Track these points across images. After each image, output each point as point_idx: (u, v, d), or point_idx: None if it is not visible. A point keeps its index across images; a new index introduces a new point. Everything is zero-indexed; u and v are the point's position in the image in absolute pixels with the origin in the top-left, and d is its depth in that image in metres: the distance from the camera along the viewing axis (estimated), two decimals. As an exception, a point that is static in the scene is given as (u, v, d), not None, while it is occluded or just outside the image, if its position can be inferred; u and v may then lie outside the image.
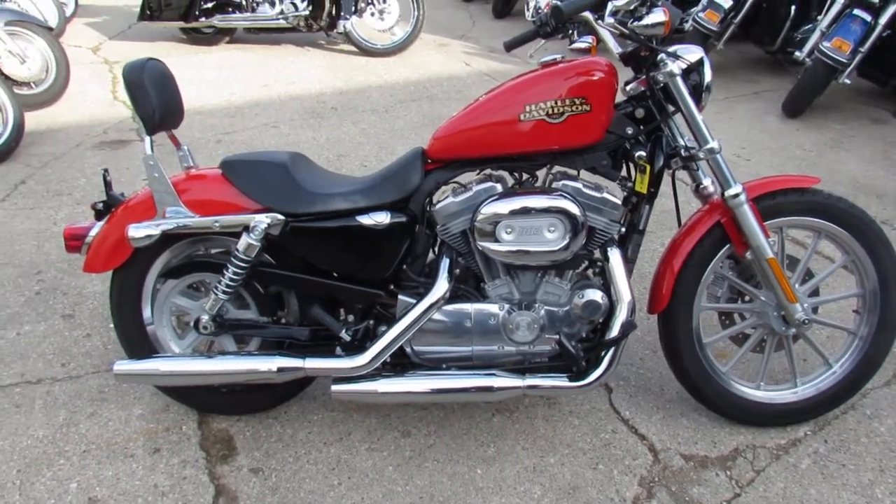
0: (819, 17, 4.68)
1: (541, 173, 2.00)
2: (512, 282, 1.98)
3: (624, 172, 1.98)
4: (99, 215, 2.04)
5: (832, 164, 4.05)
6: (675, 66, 1.83)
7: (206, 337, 2.06)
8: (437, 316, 1.95)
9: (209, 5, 6.16)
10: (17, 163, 4.10)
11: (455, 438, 2.13)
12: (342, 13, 6.01)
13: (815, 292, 2.10)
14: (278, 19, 6.10)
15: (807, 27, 4.97)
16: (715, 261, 2.01)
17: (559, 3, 1.70)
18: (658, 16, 1.74)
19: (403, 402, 2.16)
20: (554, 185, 1.92)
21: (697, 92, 1.89)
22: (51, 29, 5.14)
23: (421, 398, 1.99)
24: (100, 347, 2.54)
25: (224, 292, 1.96)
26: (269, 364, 1.93)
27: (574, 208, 1.83)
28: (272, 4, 6.12)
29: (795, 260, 2.09)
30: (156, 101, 1.91)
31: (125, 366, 1.97)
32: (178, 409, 2.23)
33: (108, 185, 2.09)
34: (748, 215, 1.91)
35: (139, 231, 1.89)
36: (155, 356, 2.00)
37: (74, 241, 2.03)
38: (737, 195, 1.89)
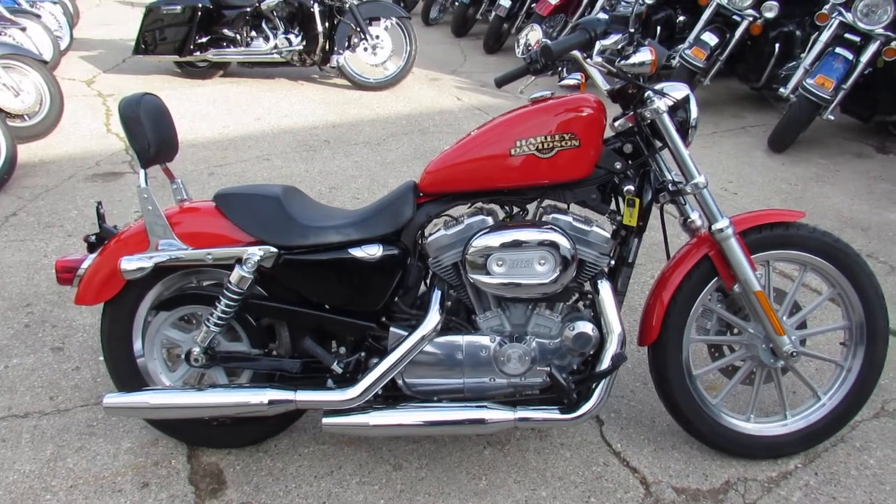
0: (802, 55, 4.79)
1: (532, 207, 2.03)
2: (503, 314, 2.00)
3: (613, 206, 2.02)
4: (91, 247, 2.05)
5: (817, 197, 4.11)
6: (661, 103, 1.87)
7: (197, 370, 2.06)
8: (428, 348, 1.96)
9: (204, 40, 6.24)
10: (8, 195, 4.10)
11: (447, 471, 2.12)
12: (335, 48, 6.10)
13: (802, 325, 2.13)
14: (272, 54, 6.18)
15: (791, 64, 5.08)
16: (703, 294, 2.04)
17: (548, 42, 1.75)
18: (644, 55, 1.79)
19: (395, 434, 2.15)
20: (544, 218, 1.95)
21: (684, 128, 1.94)
22: (45, 62, 5.19)
23: (412, 431, 1.99)
24: (89, 380, 2.52)
25: (216, 324, 1.96)
26: (260, 397, 1.93)
27: (564, 241, 1.85)
28: (266, 39, 6.21)
29: (783, 293, 2.12)
30: (151, 135, 1.93)
31: (115, 398, 1.96)
32: (168, 442, 2.21)
33: (100, 217, 2.11)
34: (735, 249, 1.94)
35: (132, 264, 1.90)
36: (145, 389, 1.99)
37: (66, 273, 2.03)
38: (723, 229, 1.93)
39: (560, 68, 2.04)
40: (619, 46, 1.80)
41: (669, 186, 1.96)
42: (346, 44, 6.12)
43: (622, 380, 2.51)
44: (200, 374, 2.17)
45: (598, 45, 1.76)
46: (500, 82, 2.10)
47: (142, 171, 1.97)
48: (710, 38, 5.09)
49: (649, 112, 1.88)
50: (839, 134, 5.09)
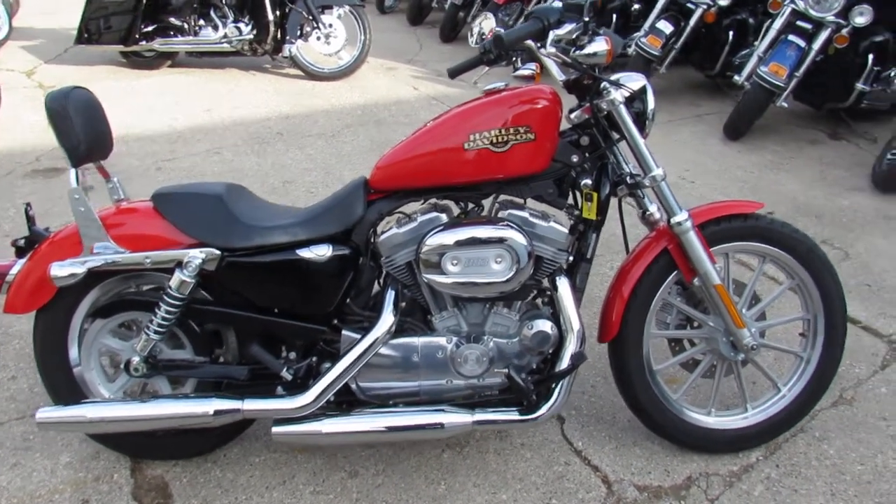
0: (756, 43, 4.81)
1: (487, 202, 1.96)
2: (459, 314, 1.93)
3: (571, 200, 1.96)
4: (20, 252, 1.92)
5: (773, 185, 4.14)
6: (617, 94, 1.82)
7: (138, 379, 1.94)
8: (382, 350, 1.88)
9: (150, 28, 6.01)
10: (-61, 193, 3.89)
11: (404, 477, 2.05)
12: (287, 37, 5.93)
13: (762, 316, 2.11)
14: (222, 43, 5.99)
15: (745, 52, 5.10)
16: (663, 288, 2.00)
17: (501, 32, 1.68)
18: (600, 45, 1.73)
19: (349, 442, 2.08)
20: (500, 214, 1.89)
21: (641, 119, 1.89)
22: (-21, 53, 4.93)
23: (367, 438, 1.92)
24: (25, 391, 2.38)
25: (156, 332, 1.85)
26: (204, 407, 1.83)
27: (520, 238, 1.79)
28: (215, 28, 6.01)
29: (742, 284, 2.10)
30: (81, 132, 1.81)
31: (48, 413, 1.84)
32: (110, 455, 2.09)
33: (30, 219, 1.98)
34: (694, 242, 1.90)
35: (63, 269, 1.78)
36: (81, 402, 1.87)
37: (-5, 278, 1.90)
38: (682, 222, 1.89)
39: (514, 58, 1.97)
40: (574, 36, 1.73)
41: (627, 179, 1.91)
42: (299, 32, 5.96)
43: (583, 375, 2.47)
44: (143, 384, 2.05)
45: (551, 35, 1.69)
46: (454, 73, 2.02)
47: (72, 171, 1.85)
48: (665, 27, 5.08)
49: (605, 103, 1.83)
50: (793, 121, 5.14)
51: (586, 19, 1.70)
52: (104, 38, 6.06)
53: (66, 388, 1.97)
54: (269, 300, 1.90)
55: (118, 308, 1.92)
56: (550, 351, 1.93)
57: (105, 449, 2.10)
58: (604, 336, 2.01)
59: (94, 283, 1.91)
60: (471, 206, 1.93)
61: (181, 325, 1.92)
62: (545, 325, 1.89)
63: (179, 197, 1.87)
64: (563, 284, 1.90)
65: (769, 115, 4.80)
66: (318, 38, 6.04)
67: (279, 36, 5.99)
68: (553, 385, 1.89)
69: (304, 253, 1.83)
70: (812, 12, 4.38)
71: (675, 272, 1.98)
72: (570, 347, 1.87)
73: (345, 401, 1.96)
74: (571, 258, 1.95)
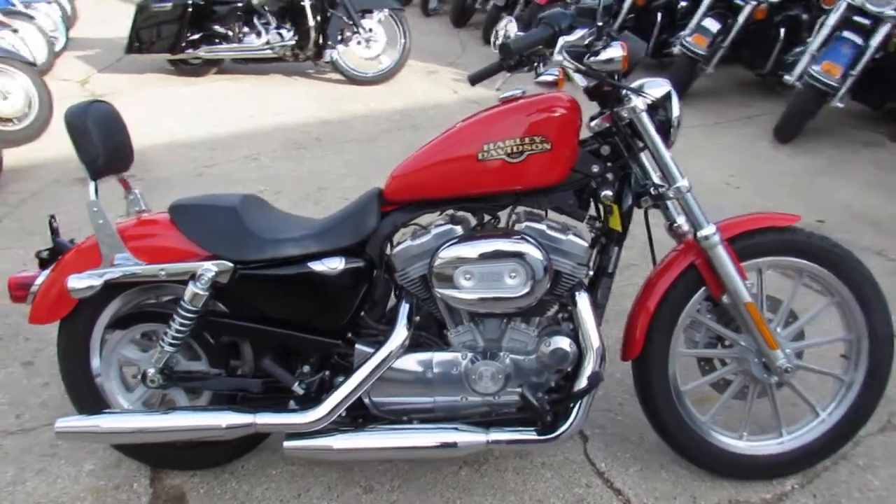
0: (809, 40, 4.61)
1: (505, 214, 1.90)
2: (476, 329, 1.88)
3: (593, 212, 1.89)
4: (43, 263, 1.96)
5: (825, 190, 3.94)
6: (639, 102, 1.74)
7: (155, 390, 1.95)
8: (396, 365, 1.84)
9: (195, 37, 6.14)
10: (-7, 200, 4.04)
11: (420, 494, 2.01)
12: (328, 42, 5.98)
13: (799, 335, 1.99)
14: (265, 49, 6.07)
15: (798, 50, 4.90)
16: (691, 304, 1.90)
17: (508, 39, 1.61)
18: (615, 51, 1.65)
19: (360, 459, 2.04)
20: (517, 227, 1.82)
21: (665, 127, 1.80)
22: (33, 64, 5.10)
23: (379, 455, 1.88)
24: (57, 397, 2.43)
25: (170, 344, 1.86)
26: (217, 420, 1.83)
27: (536, 252, 1.72)
28: (258, 35, 6.10)
29: (778, 301, 1.98)
30: (100, 145, 1.82)
31: (66, 423, 1.86)
32: (131, 464, 2.11)
33: (54, 231, 2.01)
34: (722, 257, 1.80)
35: (80, 282, 1.80)
36: (99, 413, 1.89)
37: (19, 290, 1.94)
38: (709, 236, 1.79)
39: (536, 64, 1.91)
40: (587, 42, 1.66)
41: (651, 190, 1.82)
42: (339, 37, 6.00)
43: (610, 392, 2.38)
44: (162, 395, 2.06)
45: (560, 42, 1.62)
46: (474, 79, 1.96)
47: (91, 184, 1.87)
48: (712, 25, 4.91)
49: (626, 111, 1.75)
50: (848, 123, 4.90)
51: (600, 24, 1.63)
52: (153, 47, 6.23)
53: (89, 398, 1.99)
54: (282, 313, 1.88)
55: (136, 319, 1.93)
56: (569, 369, 1.85)
57: (127, 458, 2.12)
58: (627, 354, 1.93)
59: (114, 294, 1.92)
60: (487, 217, 1.88)
61: (196, 337, 1.92)
62: (563, 343, 1.82)
63: (194, 209, 1.87)
64: (582, 300, 1.82)
65: (823, 117, 4.59)
66: (359, 43, 6.06)
67: (320, 41, 6.04)
68: (571, 405, 1.82)
69: (316, 266, 1.81)
70: (870, 6, 4.17)
71: (704, 288, 1.88)
72: (589, 366, 1.80)
73: (359, 415, 1.93)
74: (592, 273, 1.87)
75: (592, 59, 1.66)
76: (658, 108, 1.80)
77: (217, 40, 6.17)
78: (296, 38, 6.02)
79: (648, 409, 1.98)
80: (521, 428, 1.85)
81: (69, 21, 7.85)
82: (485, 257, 1.73)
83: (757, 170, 4.22)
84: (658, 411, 1.95)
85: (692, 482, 2.02)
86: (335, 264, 1.81)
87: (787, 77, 4.52)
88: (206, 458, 2.09)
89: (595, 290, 1.88)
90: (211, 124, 5.26)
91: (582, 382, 1.79)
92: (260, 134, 5.05)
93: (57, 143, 4.86)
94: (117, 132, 1.91)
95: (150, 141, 4.95)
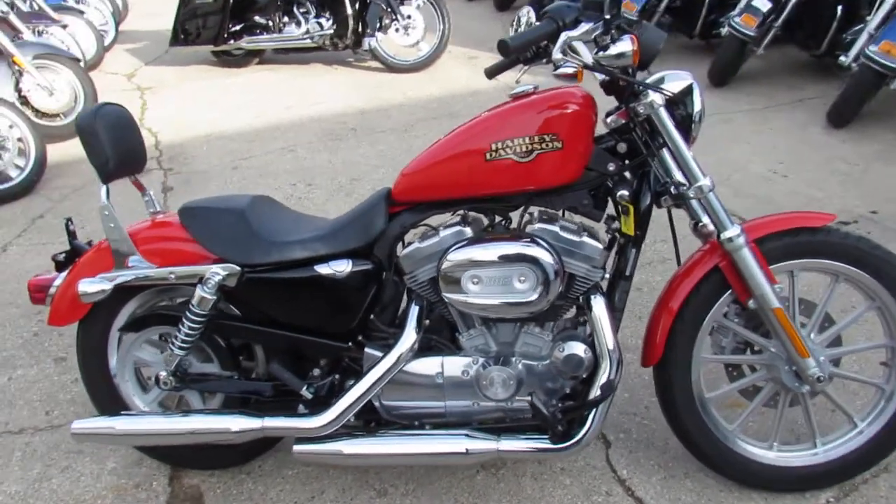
0: (868, 18, 4.32)
1: (517, 214, 1.83)
2: (488, 332, 1.82)
3: (612, 211, 1.80)
4: (60, 266, 1.98)
5: (881, 178, 3.71)
6: (656, 97, 1.63)
7: (168, 392, 1.96)
8: (406, 369, 1.80)
9: (237, 28, 6.20)
10: (38, 196, 4.16)
11: (434, 498, 1.97)
12: (367, 30, 5.94)
13: (836, 341, 1.87)
14: (304, 39, 6.08)
15: (856, 28, 4.60)
16: (715, 308, 1.80)
17: (505, 38, 1.53)
18: (625, 45, 1.55)
19: (370, 464, 2.01)
20: (528, 228, 1.75)
21: (686, 123, 1.69)
22: (79, 60, 5.23)
23: (388, 461, 1.85)
24: (85, 394, 2.46)
25: (180, 347, 1.86)
26: (226, 424, 1.82)
27: (546, 256, 1.65)
28: (298, 24, 6.11)
29: (812, 304, 1.86)
30: (110, 149, 1.82)
31: (82, 424, 1.89)
32: (151, 463, 2.14)
33: (71, 234, 2.03)
34: (748, 260, 1.69)
35: (91, 286, 1.81)
36: (114, 415, 1.91)
37: (39, 292, 1.97)
38: (733, 238, 1.68)
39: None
40: (593, 37, 1.56)
41: (671, 189, 1.72)
42: (378, 25, 5.95)
43: (636, 394, 2.29)
44: (178, 396, 2.07)
45: (562, 37, 1.53)
46: (490, 73, 1.89)
47: (103, 187, 1.88)
48: (762, 4, 4.65)
49: (643, 107, 1.65)
50: (910, 104, 4.61)
51: (607, 17, 1.53)
52: (196, 39, 6.31)
53: (108, 398, 2.02)
54: (290, 316, 1.85)
55: (149, 322, 1.94)
56: (585, 375, 1.78)
57: (148, 457, 2.14)
58: (647, 359, 1.84)
59: (131, 295, 1.94)
60: (498, 219, 1.81)
61: (207, 340, 1.92)
62: (578, 348, 1.75)
63: (203, 212, 1.86)
64: (598, 304, 1.74)
65: (881, 100, 4.32)
66: (397, 30, 6.01)
67: (359, 29, 6.01)
68: (586, 413, 1.75)
69: (322, 269, 1.78)
70: (933, -19, 3.87)
71: (729, 291, 1.78)
72: (605, 374, 1.72)
73: (371, 419, 1.90)
74: (608, 275, 1.79)
75: (601, 54, 1.57)
76: (678, 103, 1.69)
77: (258, 31, 6.21)
78: (334, 26, 6.01)
79: (670, 416, 1.89)
80: (534, 436, 1.79)
81: (120, 15, 8.03)
82: (493, 261, 1.67)
83: (807, 157, 4.00)
84: (680, 419, 1.86)
85: (718, 493, 1.92)
86: (342, 267, 1.78)
87: (842, 58, 4.26)
88: (225, 458, 2.10)
89: (612, 294, 1.80)
90: (251, 116, 5.30)
91: (596, 391, 1.72)
92: (297, 125, 5.06)
93: (102, 138, 4.99)
94: (128, 135, 1.91)
95: (191, 134, 5.03)
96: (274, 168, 4.36)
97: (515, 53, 1.57)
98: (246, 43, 6.23)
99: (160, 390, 1.95)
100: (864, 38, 4.16)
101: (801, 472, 1.89)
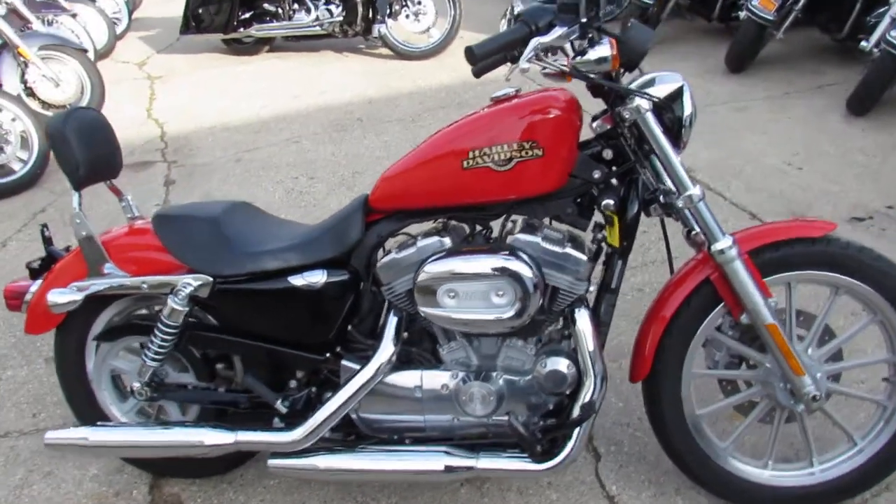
0: (892, 1, 4.13)
1: (499, 223, 1.75)
2: (469, 345, 1.75)
3: (601, 218, 1.71)
4: (34, 273, 1.94)
5: (901, 171, 3.56)
6: (643, 102, 1.54)
7: (146, 402, 1.93)
8: (384, 381, 1.74)
9: (247, 15, 6.14)
10: (41, 189, 4.16)
11: (416, 513, 1.92)
12: (377, 17, 5.84)
13: (837, 355, 1.77)
14: (314, 26, 6.00)
15: (881, 10, 4.40)
16: (707, 322, 1.71)
17: (472, 45, 1.44)
18: (602, 50, 1.45)
19: (345, 480, 1.96)
20: (509, 238, 1.67)
21: (676, 128, 1.59)
22: (85, 51, 5.20)
23: (364, 477, 1.80)
24: (74, 395, 2.46)
25: (153, 359, 1.81)
26: (199, 437, 1.78)
27: (525, 270, 1.57)
28: (308, 11, 6.03)
29: (812, 316, 1.76)
30: (80, 154, 1.78)
31: (55, 434, 1.86)
32: (133, 471, 2.11)
33: (46, 240, 1.99)
34: (740, 273, 1.60)
35: (61, 296, 1.78)
36: (88, 425, 1.88)
37: (14, 299, 1.94)
38: (724, 250, 1.58)
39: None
40: (568, 42, 1.46)
41: (660, 198, 1.63)
42: (388, 11, 5.85)
43: (630, 403, 2.21)
44: (158, 406, 2.03)
45: (532, 43, 1.43)
46: (478, 72, 1.80)
47: (75, 194, 1.83)
48: (782, -14, 4.48)
49: (629, 111, 1.55)
50: (936, 92, 4.40)
51: (584, 20, 1.43)
52: (206, 27, 6.26)
53: (87, 407, 1.99)
54: (264, 328, 1.80)
55: (124, 331, 1.90)
56: (568, 392, 1.71)
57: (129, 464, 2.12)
58: (634, 374, 1.76)
59: (107, 303, 1.90)
60: (479, 228, 1.73)
61: (183, 350, 1.88)
62: (561, 364, 1.67)
63: (175, 220, 1.81)
64: (582, 318, 1.67)
65: (905, 86, 4.13)
66: (408, 17, 5.90)
67: (370, 16, 5.91)
68: (568, 432, 1.68)
69: (296, 280, 1.72)
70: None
71: (722, 304, 1.69)
72: (587, 392, 1.65)
73: (351, 433, 1.85)
74: (593, 288, 1.70)
75: (578, 59, 1.48)
76: (669, 106, 1.59)
77: (268, 18, 6.15)
78: (344, 13, 5.92)
79: (659, 433, 1.81)
80: (515, 453, 1.73)
81: (133, 2, 8.00)
82: (470, 274, 1.60)
83: (824, 148, 3.84)
84: (669, 437, 1.78)
85: (709, 513, 1.85)
86: (316, 278, 1.72)
87: (863, 43, 4.08)
88: (206, 467, 2.06)
89: (598, 307, 1.72)
90: (258, 105, 5.25)
91: (577, 411, 1.64)
92: (303, 115, 5.00)
93: (108, 129, 4.97)
94: (101, 140, 1.86)
95: (198, 124, 5.00)
96: (277, 160, 4.31)
97: (482, 61, 1.48)
98: (255, 31, 6.17)
99: (136, 400, 1.92)
100: (886, 22, 3.98)
101: (797, 492, 1.80)
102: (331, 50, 6.44)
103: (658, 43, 5.58)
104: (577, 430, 1.67)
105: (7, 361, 2.67)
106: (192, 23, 6.34)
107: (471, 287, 1.60)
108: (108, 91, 5.17)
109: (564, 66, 1.49)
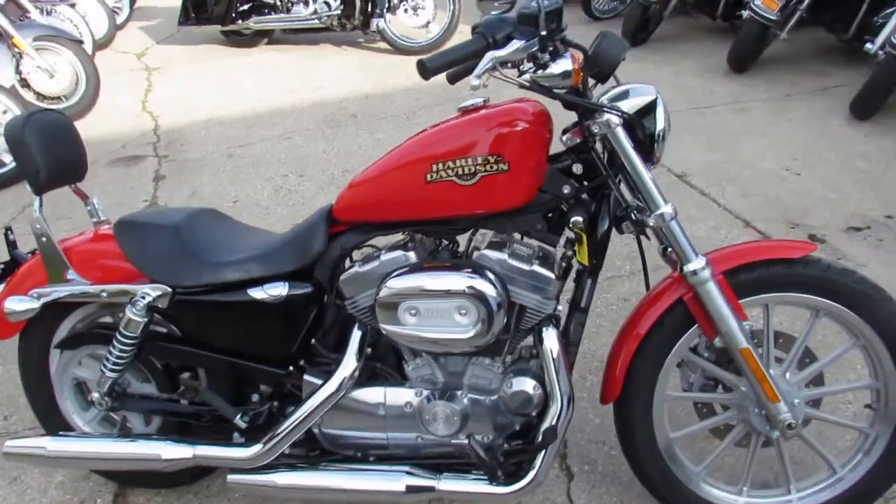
0: (899, 1, 4.03)
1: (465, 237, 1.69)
2: (435, 362, 1.70)
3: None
4: (-3, 278, 1.90)
5: (903, 178, 3.47)
6: (613, 116, 1.47)
7: (107, 412, 1.89)
8: (347, 397, 1.70)
9: (245, 7, 6.08)
10: (30, 182, 4.12)
11: (381, 531, 1.87)
12: (376, 11, 5.77)
13: (818, 379, 1.70)
14: (312, 19, 5.95)
15: (888, 11, 4.30)
16: (681, 343, 1.65)
17: (423, 58, 1.38)
18: (564, 64, 1.38)
19: (305, 497, 1.91)
20: (475, 254, 1.61)
21: (649, 143, 1.53)
22: (80, 41, 5.17)
23: (323, 495, 1.74)
24: (46, 398, 2.43)
25: (111, 369, 1.77)
26: (156, 450, 1.74)
27: (489, 288, 1.52)
28: (306, 4, 5.97)
29: (791, 338, 1.69)
30: (41, 159, 1.72)
31: (15, 444, 1.83)
32: (98, 479, 2.07)
33: (10, 244, 1.95)
34: (713, 295, 1.53)
35: (18, 304, 1.73)
36: (45, 435, 1.85)
37: (-23, 304, 1.90)
38: (697, 271, 1.52)
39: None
40: (523, 56, 1.39)
41: (633, 215, 1.56)
42: (387, 5, 5.77)
43: (608, 419, 2.13)
44: (122, 416, 1.99)
45: (486, 58, 1.36)
46: (453, 79, 1.73)
47: (36, 199, 1.78)
48: (786, -15, 4.37)
49: (597, 125, 1.49)
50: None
51: (543, 33, 1.36)
52: (204, 19, 6.22)
53: (51, 414, 1.96)
54: (225, 340, 1.75)
55: (84, 340, 1.86)
56: (534, 413, 1.65)
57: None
58: (605, 395, 1.70)
59: (70, 310, 1.86)
60: (445, 243, 1.68)
61: (144, 361, 1.83)
62: (527, 385, 1.62)
63: (136, 227, 1.76)
64: (549, 338, 1.61)
65: (910, 90, 4.03)
66: (406, 11, 5.83)
67: (367, 10, 5.84)
68: (533, 455, 1.62)
69: (256, 293, 1.67)
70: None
71: (696, 325, 1.62)
72: (551, 417, 1.59)
73: (315, 448, 1.80)
74: (561, 307, 1.64)
75: (539, 73, 1.41)
76: (644, 118, 1.52)
77: (266, 11, 6.10)
78: (342, 7, 5.85)
79: (630, 457, 1.75)
80: (479, 475, 1.67)
81: (135, -8, 7.96)
82: (431, 292, 1.54)
83: (824, 152, 3.75)
84: (640, 461, 1.73)
85: (680, 539, 1.78)
86: (277, 291, 1.67)
87: (868, 45, 3.98)
88: (171, 478, 2.00)
89: (567, 326, 1.66)
90: (253, 99, 5.20)
91: (537, 438, 1.59)
92: (297, 110, 4.94)
93: (103, 122, 4.94)
94: (63, 143, 1.80)
95: (192, 118, 4.96)
96: (268, 157, 4.26)
97: (434, 75, 1.41)
98: (254, 23, 6.12)
99: (97, 410, 1.88)
100: (892, 24, 3.87)
101: (773, 520, 1.74)
102: (330, 43, 6.38)
103: (660, 41, 5.49)
104: (541, 454, 1.61)
105: (-24, 362, 2.64)
106: (192, 13, 6.30)
107: (433, 305, 1.55)
108: (105, 82, 5.14)
109: (525, 80, 1.42)
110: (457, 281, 1.53)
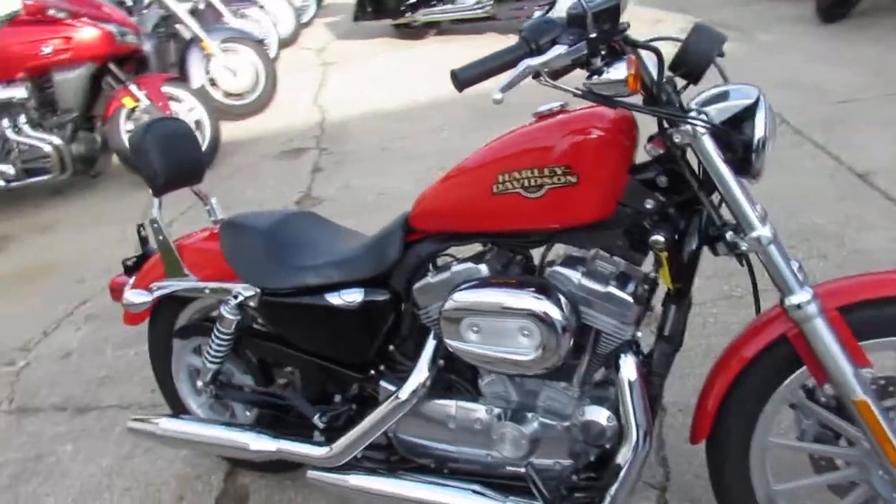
0: None
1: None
2: (508, 380, 1.61)
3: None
4: (129, 271, 2.10)
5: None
6: (698, 124, 1.28)
7: (213, 399, 2.03)
8: (421, 405, 1.67)
9: (414, 1, 6.23)
10: (208, 174, 4.55)
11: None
12: (538, -2, 5.64)
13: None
14: (475, 9, 5.96)
15: None
16: (787, 384, 1.42)
17: (457, 69, 1.28)
18: (619, 71, 1.21)
19: (374, 499, 1.91)
20: (548, 271, 1.50)
21: (745, 154, 1.32)
22: (261, 41, 5.60)
23: (391, 502, 1.74)
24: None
25: (211, 360, 1.90)
26: (245, 440, 1.85)
27: (553, 310, 1.40)
28: (470, -6, 5.99)
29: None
30: (159, 163, 1.87)
31: (137, 420, 2.03)
32: (216, 458, 2.24)
33: (143, 240, 2.14)
34: (823, 335, 1.29)
35: (136, 297, 1.91)
36: (163, 415, 2.03)
37: (116, 292, 2.12)
38: (801, 305, 1.29)
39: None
40: (570, 62, 1.24)
41: (727, 236, 1.36)
42: (550, -8, 5.60)
43: (721, 456, 1.92)
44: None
45: (519, 66, 1.23)
46: (505, 87, 1.55)
47: (155, 201, 1.94)
48: None
49: (680, 134, 1.31)
50: None
51: (592, 35, 1.20)
52: (376, 14, 6.48)
53: (175, 397, 2.15)
54: (306, 342, 1.80)
55: (193, 331, 2.01)
56: (608, 446, 1.51)
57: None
58: (695, 433, 1.51)
59: (187, 302, 2.02)
60: (518, 256, 1.58)
61: (241, 354, 1.95)
62: (601, 415, 1.48)
63: (234, 229, 1.86)
64: (627, 366, 1.46)
65: None
66: (571, -4, 5.62)
67: (530, -3, 5.73)
68: (599, 494, 1.49)
69: (333, 298, 1.69)
70: None
71: (804, 367, 1.39)
72: (623, 454, 1.45)
73: (396, 454, 1.80)
74: (640, 333, 1.48)
75: (594, 79, 1.26)
76: (741, 125, 1.32)
77: (433, 3, 6.22)
78: (502, -5, 5.80)
79: (722, 505, 1.55)
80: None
81: (324, -10, 8.50)
82: (494, 309, 1.46)
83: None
84: (733, 513, 1.52)
85: None
86: (352, 297, 1.68)
87: None
88: (274, 464, 2.13)
89: (650, 356, 1.50)
90: (415, 92, 5.33)
91: (609, 473, 1.45)
92: (453, 102, 4.92)
93: (278, 117, 5.33)
94: (181, 148, 1.95)
95: (356, 111, 5.19)
96: (419, 150, 4.34)
97: (467, 87, 1.31)
98: (421, 15, 6.27)
99: (205, 396, 2.03)
100: None
101: None
102: (496, 32, 6.35)
103: (866, 15, 4.78)
104: (609, 492, 1.48)
105: (142, 338, 2.96)
106: (368, 8, 6.59)
107: (494, 323, 1.46)
108: (286, 78, 5.54)
109: (578, 88, 1.28)
110: (520, 299, 1.43)
